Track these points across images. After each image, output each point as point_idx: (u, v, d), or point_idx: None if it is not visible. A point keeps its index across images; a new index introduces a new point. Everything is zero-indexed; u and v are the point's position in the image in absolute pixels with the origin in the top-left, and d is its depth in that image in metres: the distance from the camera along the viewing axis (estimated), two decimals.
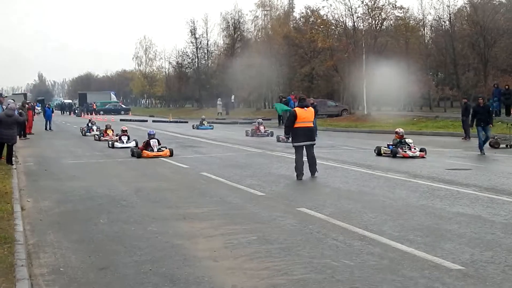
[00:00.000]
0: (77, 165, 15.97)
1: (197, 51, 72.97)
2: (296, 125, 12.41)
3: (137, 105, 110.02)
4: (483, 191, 10.33)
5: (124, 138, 21.09)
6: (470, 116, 19.72)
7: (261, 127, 27.35)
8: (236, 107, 67.17)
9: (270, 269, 5.86)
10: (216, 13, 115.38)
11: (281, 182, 12.01)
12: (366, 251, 6.46)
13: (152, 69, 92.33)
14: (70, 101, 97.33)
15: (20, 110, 19.96)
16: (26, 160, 17.02)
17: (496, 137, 19.64)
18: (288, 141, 14.25)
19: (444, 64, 45.85)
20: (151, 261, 6.23)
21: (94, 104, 70.38)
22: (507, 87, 30.52)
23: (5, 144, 14.84)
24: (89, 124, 29.59)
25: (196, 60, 73.62)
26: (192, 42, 73.03)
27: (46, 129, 34.17)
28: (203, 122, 35.56)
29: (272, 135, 25.96)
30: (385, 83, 33.42)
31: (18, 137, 18.18)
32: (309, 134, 12.54)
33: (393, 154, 16.35)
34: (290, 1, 65.62)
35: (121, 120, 47.41)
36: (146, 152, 17.16)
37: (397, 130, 17.38)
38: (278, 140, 22.55)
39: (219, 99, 58.89)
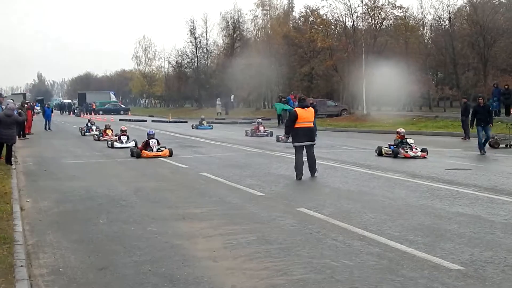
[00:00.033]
0: (77, 165, 15.96)
1: (196, 50, 72.96)
2: (296, 125, 12.42)
3: (136, 105, 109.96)
4: (483, 191, 10.32)
5: (124, 138, 21.09)
6: (470, 116, 19.73)
7: (261, 127, 27.34)
8: (236, 107, 67.16)
9: (270, 269, 5.86)
10: (216, 13, 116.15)
11: (281, 182, 12.00)
12: (366, 251, 6.45)
13: (152, 69, 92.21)
14: (70, 101, 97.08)
15: (20, 110, 19.94)
16: (26, 160, 17.01)
17: (495, 137, 19.64)
18: (288, 141, 14.25)
19: (444, 64, 45.86)
20: (150, 261, 6.22)
21: (94, 104, 70.43)
22: (506, 87, 30.51)
23: (5, 144, 14.81)
24: (89, 124, 29.56)
25: (196, 59, 73.59)
26: (191, 42, 73.10)
27: (45, 129, 34.16)
28: (203, 122, 35.54)
29: (271, 135, 25.92)
30: (384, 83, 33.39)
31: (17, 137, 18.16)
32: (309, 134, 12.55)
33: (394, 155, 16.27)
34: (290, 1, 65.76)
35: (120, 120, 47.42)
36: (145, 152, 17.16)
37: (398, 130, 17.27)
38: (278, 140, 22.52)
39: (219, 99, 58.83)
